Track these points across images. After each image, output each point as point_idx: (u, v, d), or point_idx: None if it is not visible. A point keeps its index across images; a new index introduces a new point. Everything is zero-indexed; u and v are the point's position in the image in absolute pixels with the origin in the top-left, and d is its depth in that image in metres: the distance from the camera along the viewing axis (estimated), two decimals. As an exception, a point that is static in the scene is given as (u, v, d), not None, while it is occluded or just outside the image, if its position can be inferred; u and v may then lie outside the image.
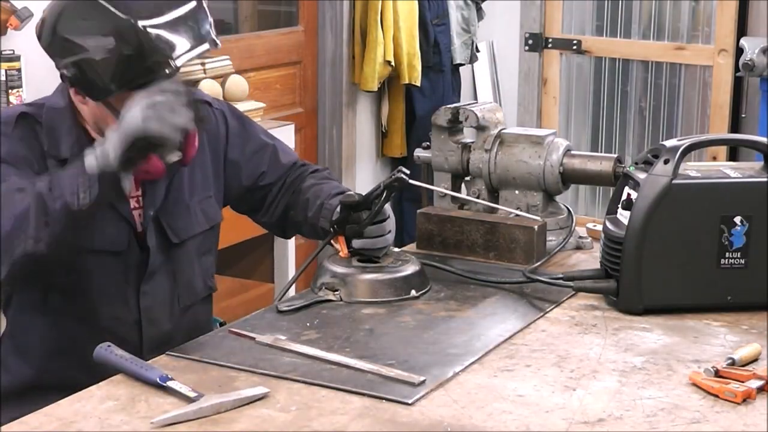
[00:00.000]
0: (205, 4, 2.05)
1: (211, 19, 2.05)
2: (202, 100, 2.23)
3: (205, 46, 2.02)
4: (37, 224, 1.89)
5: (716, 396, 1.72)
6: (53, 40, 1.99)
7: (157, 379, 1.73)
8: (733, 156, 5.01)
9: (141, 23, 1.93)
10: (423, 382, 1.76)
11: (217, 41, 2.05)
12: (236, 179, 2.31)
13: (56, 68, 2.02)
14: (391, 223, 2.21)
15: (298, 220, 2.35)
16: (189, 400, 1.67)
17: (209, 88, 3.75)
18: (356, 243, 2.18)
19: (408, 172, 2.16)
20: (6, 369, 2.13)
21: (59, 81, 2.08)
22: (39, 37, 2.02)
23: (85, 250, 2.05)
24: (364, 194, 2.17)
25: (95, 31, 1.94)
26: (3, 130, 2.03)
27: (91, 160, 1.87)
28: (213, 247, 2.30)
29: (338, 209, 2.21)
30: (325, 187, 2.32)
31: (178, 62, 1.96)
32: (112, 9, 1.93)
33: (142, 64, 1.94)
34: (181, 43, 1.97)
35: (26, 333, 2.12)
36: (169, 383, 1.72)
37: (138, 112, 1.84)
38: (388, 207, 2.20)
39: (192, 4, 2.02)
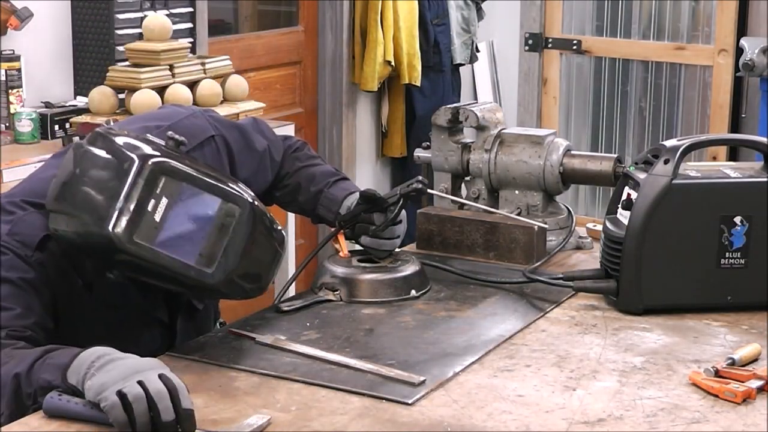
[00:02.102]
0: None
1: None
2: (206, 138, 2.12)
3: None
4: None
5: (716, 396, 1.72)
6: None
7: None
8: (733, 156, 5.01)
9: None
10: (423, 382, 1.76)
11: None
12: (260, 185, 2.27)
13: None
14: (401, 228, 2.22)
15: (285, 201, 2.33)
16: None
17: (209, 88, 3.75)
18: (365, 240, 2.20)
19: (426, 181, 2.20)
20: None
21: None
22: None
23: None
24: (380, 195, 2.19)
25: None
26: (22, 253, 1.87)
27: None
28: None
29: (344, 203, 2.22)
30: (317, 172, 2.31)
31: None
32: None
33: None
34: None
35: None
36: None
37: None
38: (402, 213, 2.22)
39: None
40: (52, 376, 1.67)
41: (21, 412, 1.69)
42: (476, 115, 2.54)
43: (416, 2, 4.90)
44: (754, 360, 1.86)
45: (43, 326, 1.85)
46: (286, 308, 2.09)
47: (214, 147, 2.13)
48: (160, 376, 1.59)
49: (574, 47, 5.61)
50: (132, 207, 1.74)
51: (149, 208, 1.75)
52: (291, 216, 3.94)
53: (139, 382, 1.57)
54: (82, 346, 1.71)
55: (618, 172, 2.45)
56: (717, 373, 1.78)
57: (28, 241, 1.87)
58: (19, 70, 3.44)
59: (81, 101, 3.61)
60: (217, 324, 2.28)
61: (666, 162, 2.10)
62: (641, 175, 2.13)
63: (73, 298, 1.91)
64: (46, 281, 1.87)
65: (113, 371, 1.60)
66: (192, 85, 3.72)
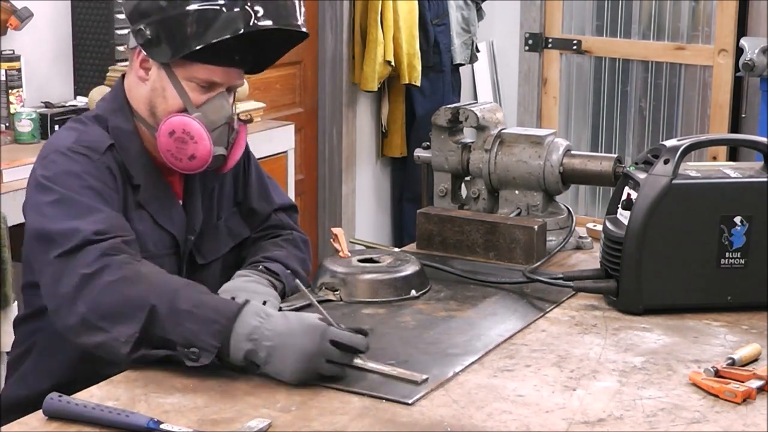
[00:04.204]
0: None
1: (303, 11, 2.07)
2: None
3: (293, 26, 2.04)
4: (137, 331, 1.77)
5: (716, 396, 1.72)
6: (137, 6, 2.02)
7: (146, 426, 1.57)
8: (733, 156, 5.02)
9: None
10: (426, 380, 1.76)
11: (306, 31, 2.08)
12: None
13: (131, 32, 2.05)
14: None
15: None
16: None
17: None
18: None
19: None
20: (25, 383, 2.10)
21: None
22: (125, 7, 2.06)
23: None
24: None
25: None
26: (93, 156, 1.99)
27: (237, 355, 1.75)
28: (237, 260, 2.25)
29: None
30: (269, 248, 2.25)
31: (254, 27, 1.98)
32: None
33: (225, 19, 1.96)
34: (270, 13, 2.00)
35: (54, 353, 2.06)
36: (163, 426, 1.58)
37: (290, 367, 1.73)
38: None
39: None
40: (205, 334, 1.74)
41: (151, 347, 1.77)
42: (476, 115, 2.54)
43: (416, 2, 4.90)
44: (754, 360, 1.86)
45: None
46: (285, 308, 2.09)
47: None
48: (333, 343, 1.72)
49: (574, 47, 5.61)
50: None
51: None
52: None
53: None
54: None
55: (618, 172, 2.45)
56: (717, 373, 1.78)
57: (95, 146, 2.00)
58: (19, 70, 3.44)
59: (81, 101, 3.61)
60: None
61: (666, 162, 2.10)
62: (641, 175, 2.13)
63: (128, 215, 2.02)
64: (115, 186, 1.99)
65: (288, 361, 1.72)
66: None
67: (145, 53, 2.04)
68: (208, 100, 2.05)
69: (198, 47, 1.98)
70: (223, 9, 1.97)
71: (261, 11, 1.98)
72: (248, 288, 2.06)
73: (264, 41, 2.09)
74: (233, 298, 1.89)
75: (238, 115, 2.10)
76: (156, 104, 2.06)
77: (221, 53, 2.02)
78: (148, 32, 2.00)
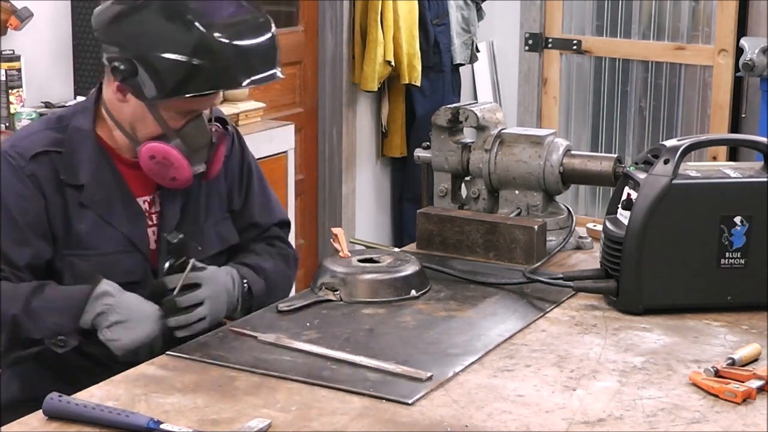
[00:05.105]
0: (276, 38, 2.11)
1: (278, 52, 2.11)
2: (220, 119, 2.25)
3: (271, 75, 2.07)
4: (5, 341, 2.00)
5: (716, 396, 1.72)
6: (118, 28, 2.03)
7: (146, 426, 1.58)
8: (733, 156, 5.01)
9: (220, 40, 1.98)
10: (430, 377, 1.76)
11: (281, 75, 2.10)
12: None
13: (105, 59, 2.05)
14: (206, 291, 2.08)
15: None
16: None
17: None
18: (171, 322, 2.05)
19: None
20: (25, 383, 2.12)
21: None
22: (96, 19, 2.07)
23: None
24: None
25: (173, 35, 1.99)
26: (16, 164, 2.06)
27: (87, 319, 1.99)
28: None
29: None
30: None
31: (243, 83, 2.03)
32: (195, 21, 1.98)
33: (209, 77, 1.99)
34: (250, 67, 2.03)
35: (54, 354, 2.05)
36: (163, 426, 1.58)
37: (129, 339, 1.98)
38: (202, 274, 2.09)
39: (269, 35, 2.08)
40: (61, 320, 1.96)
41: (22, 348, 1.98)
42: (476, 115, 2.54)
43: (416, 2, 4.90)
44: (754, 360, 1.86)
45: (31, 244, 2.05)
46: (285, 308, 2.09)
47: (228, 132, 2.25)
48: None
49: (574, 47, 5.61)
50: None
51: None
52: (291, 216, 3.94)
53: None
54: (74, 266, 2.06)
55: (618, 172, 2.45)
56: (717, 373, 1.78)
57: (23, 152, 2.06)
58: (19, 70, 3.44)
59: (81, 101, 3.61)
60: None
61: (666, 162, 2.10)
62: (641, 175, 2.13)
63: (67, 215, 2.07)
64: (35, 195, 2.05)
65: (130, 330, 1.96)
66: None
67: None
68: (186, 123, 2.08)
69: (178, 96, 2.01)
70: (204, 64, 1.98)
71: (240, 65, 2.01)
72: (211, 279, 2.11)
73: None
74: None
75: (215, 127, 2.13)
76: (136, 127, 2.10)
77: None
78: (124, 68, 2.01)
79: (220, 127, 2.18)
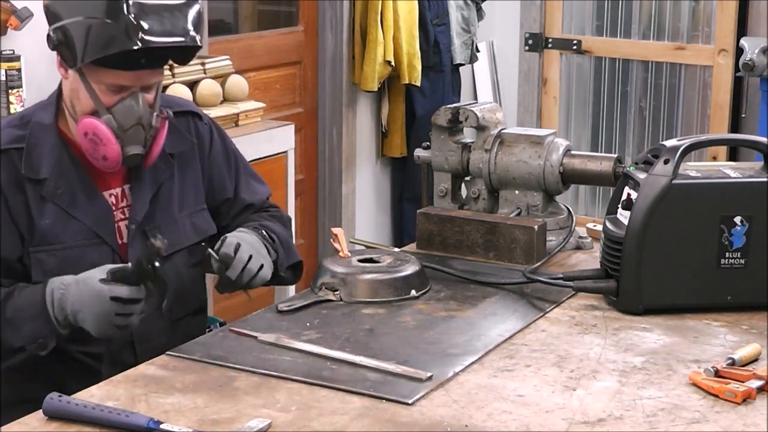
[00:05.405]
0: (202, 8, 2.09)
1: (202, 20, 2.10)
2: (191, 112, 2.30)
3: (179, 40, 2.05)
4: None
5: (716, 396, 1.72)
6: (49, 8, 2.07)
7: (146, 426, 1.58)
8: (733, 156, 5.01)
9: (129, 3, 1.99)
10: (430, 377, 1.76)
11: (198, 41, 2.08)
12: (209, 194, 2.32)
13: (47, 36, 2.08)
14: (247, 248, 2.13)
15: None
16: None
17: (209, 88, 3.75)
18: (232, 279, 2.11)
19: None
20: (25, 383, 2.11)
21: (58, 82, 2.11)
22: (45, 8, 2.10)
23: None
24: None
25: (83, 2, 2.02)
26: None
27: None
28: (205, 257, 2.27)
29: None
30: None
31: (144, 43, 2.00)
32: None
33: (110, 34, 1.99)
34: (157, 28, 2.02)
35: (54, 354, 2.06)
36: (162, 426, 1.59)
37: (94, 322, 1.96)
38: (231, 238, 2.14)
39: (185, 3, 2.06)
40: (40, 325, 1.98)
41: (7, 358, 2.01)
42: (476, 115, 2.54)
43: (416, 2, 4.90)
44: (754, 360, 1.86)
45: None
46: (285, 308, 2.09)
47: (199, 127, 2.30)
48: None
49: (574, 47, 5.61)
50: None
51: None
52: (291, 216, 3.94)
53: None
54: (42, 262, 2.06)
55: (618, 172, 2.45)
56: (717, 373, 1.78)
57: None
58: (19, 70, 3.43)
59: (81, 101, 3.60)
60: (217, 324, 2.29)
61: (666, 162, 2.10)
62: (641, 175, 2.13)
63: (29, 212, 2.08)
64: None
65: (88, 320, 1.95)
66: (192, 85, 3.72)
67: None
68: (119, 101, 2.08)
69: (89, 60, 2.01)
70: (110, 23, 1.99)
71: (148, 26, 2.00)
72: (244, 239, 2.14)
73: (166, 49, 2.08)
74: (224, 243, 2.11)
75: (159, 111, 2.13)
76: (74, 104, 2.11)
77: (125, 59, 2.03)
78: (54, 37, 2.05)
79: (166, 113, 2.16)
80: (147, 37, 2.00)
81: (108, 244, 2.13)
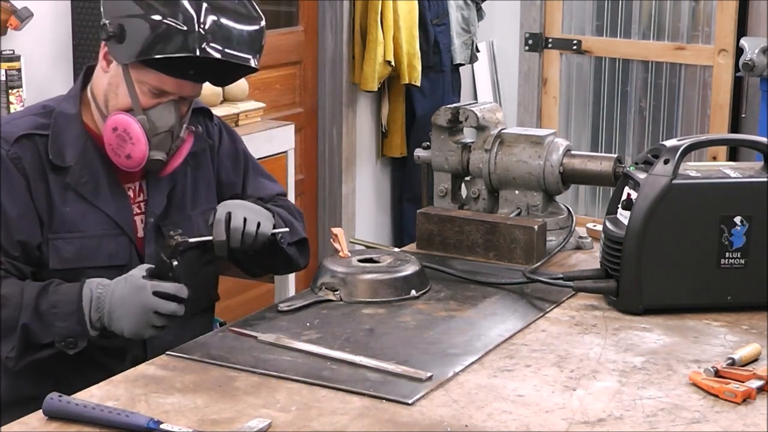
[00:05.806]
0: (264, 37, 2.12)
1: (261, 48, 2.12)
2: (203, 110, 2.32)
3: (242, 58, 2.07)
4: (17, 347, 1.99)
5: (716, 396, 1.72)
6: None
7: (146, 426, 1.58)
8: (733, 156, 5.01)
9: (197, 10, 2.02)
10: (430, 377, 1.76)
11: (255, 66, 2.11)
12: (218, 192, 2.33)
13: (101, 25, 2.09)
14: (239, 212, 2.14)
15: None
16: None
17: (209, 87, 3.74)
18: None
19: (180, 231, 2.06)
20: (25, 383, 2.11)
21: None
22: None
23: (87, 267, 2.08)
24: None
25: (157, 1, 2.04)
26: (3, 148, 2.07)
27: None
28: (215, 258, 2.28)
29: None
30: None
31: (202, 53, 2.02)
32: None
33: (176, 38, 2.01)
34: (223, 44, 2.04)
35: (54, 353, 2.06)
36: (162, 426, 1.58)
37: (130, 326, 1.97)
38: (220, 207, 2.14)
39: (252, 25, 2.09)
40: (72, 324, 1.97)
41: (35, 353, 2.00)
42: (476, 115, 2.54)
43: (416, 2, 4.90)
44: (754, 360, 1.86)
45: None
46: (285, 308, 2.09)
47: (210, 127, 2.32)
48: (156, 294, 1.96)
49: (574, 47, 5.61)
50: None
51: None
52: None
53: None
54: (59, 250, 2.06)
55: (618, 172, 2.45)
56: (717, 373, 1.78)
57: (7, 136, 2.07)
58: (19, 70, 3.44)
59: (81, 101, 3.60)
60: (217, 324, 2.29)
61: (666, 162, 2.10)
62: (641, 175, 2.13)
63: (50, 199, 2.08)
64: (20, 178, 2.05)
65: (123, 320, 1.95)
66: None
67: (107, 48, 2.10)
68: (155, 105, 2.10)
69: (145, 58, 2.03)
70: (179, 27, 2.01)
71: (213, 39, 2.03)
72: (228, 205, 2.14)
73: (219, 64, 2.10)
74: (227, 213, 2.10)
75: (187, 125, 2.16)
76: (109, 98, 2.12)
77: (174, 65, 2.05)
78: (111, 29, 2.06)
79: (195, 129, 2.18)
80: (210, 50, 2.02)
81: (126, 234, 2.14)
